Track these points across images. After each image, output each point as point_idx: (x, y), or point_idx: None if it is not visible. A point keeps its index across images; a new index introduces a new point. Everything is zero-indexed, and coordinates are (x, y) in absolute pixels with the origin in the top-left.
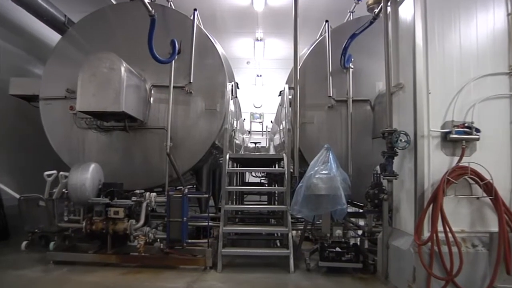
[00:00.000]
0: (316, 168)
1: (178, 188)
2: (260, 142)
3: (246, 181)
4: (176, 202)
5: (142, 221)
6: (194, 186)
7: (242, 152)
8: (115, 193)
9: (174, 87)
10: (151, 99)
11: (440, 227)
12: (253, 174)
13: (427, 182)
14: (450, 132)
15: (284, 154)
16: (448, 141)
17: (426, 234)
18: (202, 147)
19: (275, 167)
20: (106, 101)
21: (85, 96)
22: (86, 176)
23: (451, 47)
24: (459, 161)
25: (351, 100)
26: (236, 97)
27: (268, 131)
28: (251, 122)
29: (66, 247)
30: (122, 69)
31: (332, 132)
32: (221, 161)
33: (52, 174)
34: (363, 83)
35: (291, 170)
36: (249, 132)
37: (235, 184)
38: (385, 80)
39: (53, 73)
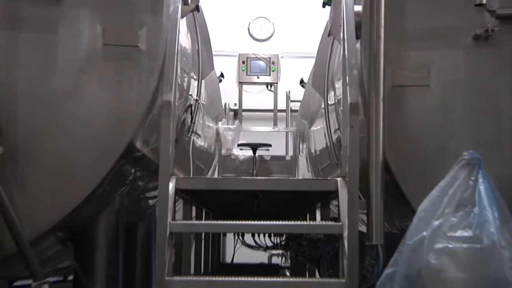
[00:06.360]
0: (437, 222)
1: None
2: (269, 146)
3: (229, 261)
4: None
5: None
6: (70, 277)
7: (216, 175)
8: None
9: None
10: None
11: None
12: (248, 239)
13: None
14: None
15: (340, 179)
16: None
17: None
18: (95, 161)
19: (312, 217)
20: None
21: None
22: None
23: None
24: None
25: None
26: (198, 8)
27: (293, 112)
28: (241, 84)
29: None
30: None
31: (486, 112)
32: (152, 201)
33: None
34: None
35: (361, 228)
36: (235, 113)
37: (194, 269)
38: None
39: None
